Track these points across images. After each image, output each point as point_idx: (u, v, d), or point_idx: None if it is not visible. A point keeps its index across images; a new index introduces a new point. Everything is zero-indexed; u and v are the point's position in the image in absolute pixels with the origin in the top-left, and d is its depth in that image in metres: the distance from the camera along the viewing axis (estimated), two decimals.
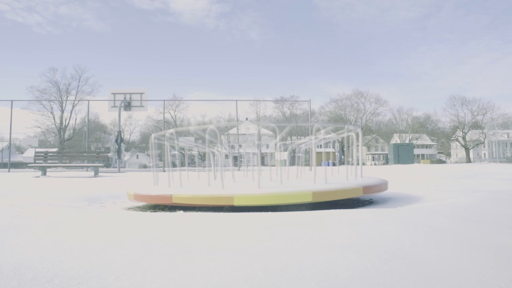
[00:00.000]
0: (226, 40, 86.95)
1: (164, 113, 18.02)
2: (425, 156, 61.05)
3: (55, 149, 39.77)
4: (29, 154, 45.01)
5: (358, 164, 3.63)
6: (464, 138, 52.82)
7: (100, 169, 13.11)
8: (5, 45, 74.42)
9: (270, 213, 2.24)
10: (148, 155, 59.06)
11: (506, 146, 61.85)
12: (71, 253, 1.33)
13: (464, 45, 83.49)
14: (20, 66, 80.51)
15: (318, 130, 3.71)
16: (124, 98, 14.49)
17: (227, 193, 2.62)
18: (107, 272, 1.12)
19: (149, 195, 2.97)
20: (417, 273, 1.08)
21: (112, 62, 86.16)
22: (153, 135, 3.51)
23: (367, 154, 62.74)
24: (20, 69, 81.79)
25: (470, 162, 48.19)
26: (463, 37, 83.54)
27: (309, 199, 2.62)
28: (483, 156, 60.81)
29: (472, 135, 52.70)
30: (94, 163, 10.21)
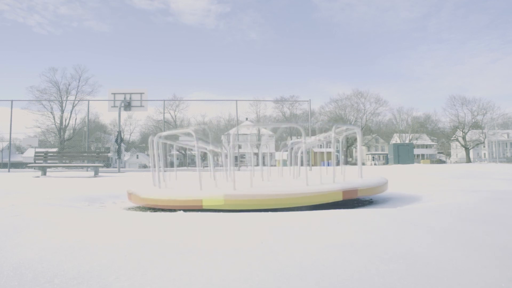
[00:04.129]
0: (226, 40, 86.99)
1: (164, 113, 18.02)
2: (425, 156, 61.05)
3: (55, 149, 39.78)
4: (29, 154, 45.01)
5: (340, 165, 3.62)
6: (464, 138, 52.83)
7: (100, 169, 13.11)
8: (5, 45, 74.43)
9: (270, 213, 2.24)
10: (148, 155, 59.02)
11: (506, 146, 61.84)
12: (71, 253, 1.33)
13: (464, 45, 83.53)
14: (20, 66, 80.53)
15: (327, 130, 3.69)
16: (124, 98, 14.49)
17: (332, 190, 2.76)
18: (107, 272, 1.12)
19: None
20: (417, 273, 1.08)
21: (112, 62, 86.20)
22: (192, 129, 3.19)
23: (367, 154, 62.76)
24: (20, 69, 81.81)
25: (470, 162, 48.19)
26: (463, 37, 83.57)
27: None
28: (483, 156, 60.80)
29: (472, 135, 52.72)
30: (94, 163, 10.21)
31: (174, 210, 2.94)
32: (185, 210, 2.71)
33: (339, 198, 2.74)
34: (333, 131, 3.39)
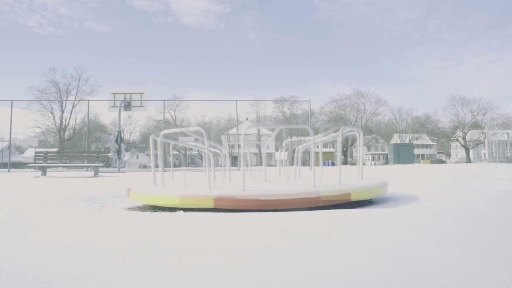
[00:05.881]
0: (226, 40, 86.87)
1: (164, 113, 18.04)
2: (425, 156, 61.05)
3: (55, 149, 39.79)
4: (29, 154, 44.97)
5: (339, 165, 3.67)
6: (464, 138, 52.82)
7: (100, 169, 13.11)
8: (5, 45, 74.32)
9: (270, 213, 2.24)
10: (148, 155, 59.05)
11: (506, 146, 61.72)
12: (71, 253, 1.33)
13: (464, 45, 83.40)
14: (20, 66, 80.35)
15: (326, 129, 3.69)
16: (124, 98, 14.50)
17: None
18: (107, 272, 1.12)
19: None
20: (417, 273, 1.08)
21: (112, 62, 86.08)
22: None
23: (367, 154, 62.77)
24: (20, 69, 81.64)
25: (470, 162, 48.20)
26: (463, 37, 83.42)
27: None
28: (483, 156, 60.77)
29: (472, 135, 52.69)
30: (94, 163, 10.21)
31: (174, 210, 2.94)
32: (186, 210, 2.74)
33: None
34: (340, 131, 3.45)
